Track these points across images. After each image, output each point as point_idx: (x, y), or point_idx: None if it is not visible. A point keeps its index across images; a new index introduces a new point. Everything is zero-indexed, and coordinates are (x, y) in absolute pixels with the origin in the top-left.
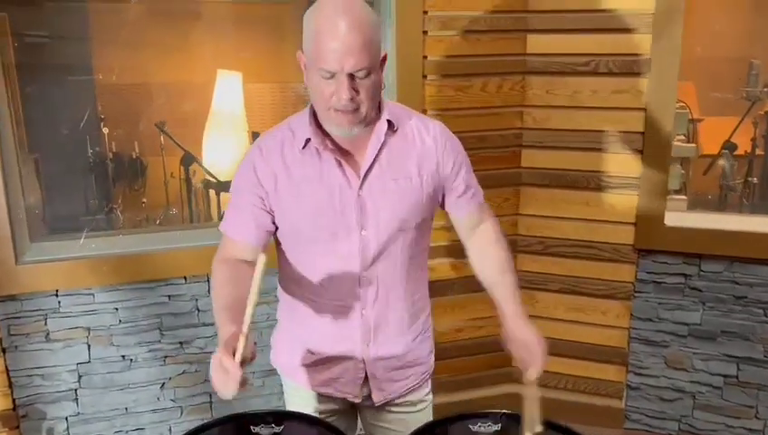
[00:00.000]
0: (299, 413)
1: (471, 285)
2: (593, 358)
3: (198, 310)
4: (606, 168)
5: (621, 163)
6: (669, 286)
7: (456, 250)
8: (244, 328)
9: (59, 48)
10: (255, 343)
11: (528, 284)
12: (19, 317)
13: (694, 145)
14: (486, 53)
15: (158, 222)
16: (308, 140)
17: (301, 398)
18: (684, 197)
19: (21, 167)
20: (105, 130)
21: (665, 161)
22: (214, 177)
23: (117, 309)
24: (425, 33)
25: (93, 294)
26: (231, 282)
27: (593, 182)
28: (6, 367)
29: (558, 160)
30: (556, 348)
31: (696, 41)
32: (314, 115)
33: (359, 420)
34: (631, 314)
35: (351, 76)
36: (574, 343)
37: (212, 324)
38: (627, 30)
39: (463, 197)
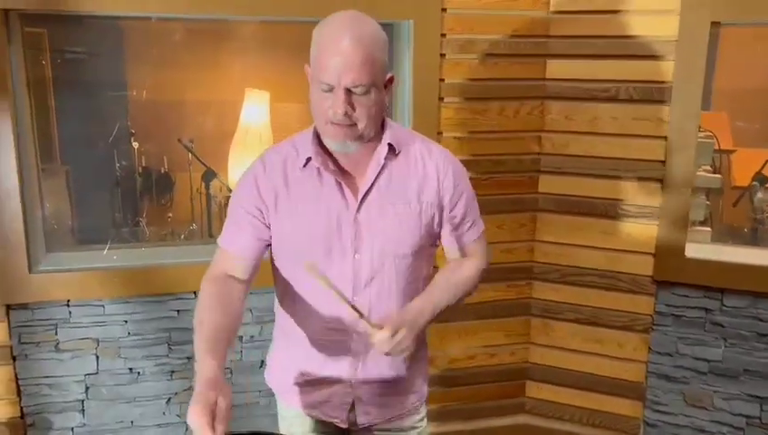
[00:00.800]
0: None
1: (483, 310)
2: (609, 391)
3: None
4: (625, 196)
5: (641, 192)
6: (689, 320)
7: None
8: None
9: (94, 64)
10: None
11: (544, 312)
12: (30, 326)
13: (719, 176)
14: (505, 77)
15: (182, 237)
16: (309, 159)
17: (292, 418)
18: (708, 228)
19: (42, 180)
20: (135, 145)
21: (686, 191)
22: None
23: (126, 321)
24: (442, 56)
25: (104, 306)
26: (218, 304)
27: (612, 210)
28: (16, 375)
29: (576, 187)
30: (572, 380)
31: (730, 71)
32: (318, 135)
33: None
34: (649, 348)
35: (349, 91)
36: (590, 376)
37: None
38: (648, 56)
39: (457, 231)
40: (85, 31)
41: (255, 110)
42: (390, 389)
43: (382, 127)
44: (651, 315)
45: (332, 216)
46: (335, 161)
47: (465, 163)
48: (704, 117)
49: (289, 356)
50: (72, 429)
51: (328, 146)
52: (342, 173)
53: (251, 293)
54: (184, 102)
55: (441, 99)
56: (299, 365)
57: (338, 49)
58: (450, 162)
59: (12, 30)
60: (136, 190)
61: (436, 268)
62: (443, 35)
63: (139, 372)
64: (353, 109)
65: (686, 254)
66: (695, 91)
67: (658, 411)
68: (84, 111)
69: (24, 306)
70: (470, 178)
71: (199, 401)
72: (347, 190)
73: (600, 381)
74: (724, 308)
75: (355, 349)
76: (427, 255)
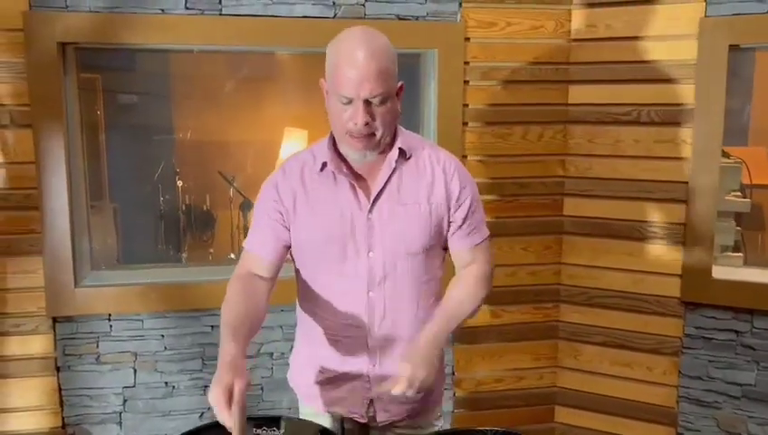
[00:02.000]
0: (301, 419)
1: (510, 333)
2: (641, 417)
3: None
4: (650, 217)
5: (666, 213)
6: (720, 343)
7: (495, 296)
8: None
9: (143, 107)
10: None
11: (571, 336)
12: (74, 338)
13: (748, 201)
14: (527, 102)
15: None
16: (324, 164)
17: (313, 416)
18: (740, 254)
19: (90, 216)
20: (179, 183)
21: (711, 212)
22: (231, 183)
23: (163, 336)
24: (466, 82)
25: (142, 320)
26: (243, 296)
27: (637, 232)
28: (59, 386)
29: (601, 209)
30: (601, 405)
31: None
32: (334, 141)
33: None
34: (679, 372)
35: (368, 102)
36: (620, 400)
37: (252, 356)
38: (668, 80)
39: (459, 231)
40: (135, 76)
41: (294, 148)
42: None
43: (395, 133)
44: (680, 338)
45: (347, 216)
46: (349, 166)
47: (490, 186)
48: (741, 151)
49: (309, 355)
50: None
51: (346, 154)
52: (356, 177)
53: (281, 310)
54: (227, 143)
55: (465, 123)
56: (319, 363)
57: (354, 63)
58: (456, 167)
59: (68, 67)
60: (179, 227)
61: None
62: (466, 63)
63: (174, 386)
64: (373, 119)
65: (713, 275)
66: (716, 112)
67: None
68: (133, 151)
69: (69, 319)
70: (495, 201)
71: (218, 383)
72: (360, 192)
73: (630, 406)
74: (755, 330)
75: (372, 345)
76: (438, 255)
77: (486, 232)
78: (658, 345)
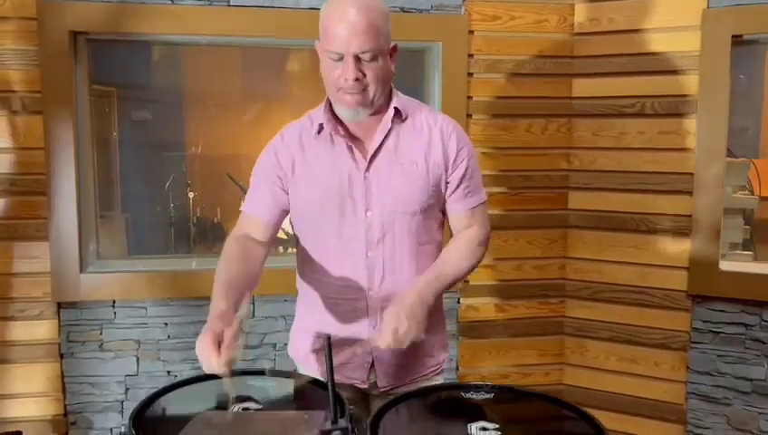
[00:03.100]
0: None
1: (516, 327)
2: (648, 414)
3: (243, 332)
4: (656, 209)
5: (672, 205)
6: (728, 337)
7: (501, 290)
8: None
9: (156, 119)
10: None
11: (577, 331)
12: (78, 325)
13: (755, 197)
14: (531, 95)
15: None
16: (321, 126)
17: None
18: (749, 252)
19: (101, 225)
20: (191, 195)
21: (718, 203)
22: (240, 185)
23: (166, 324)
24: (470, 75)
25: (146, 308)
26: (238, 257)
27: (643, 224)
28: (62, 372)
29: (606, 202)
30: (609, 402)
31: None
32: (330, 105)
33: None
34: (688, 367)
35: (358, 58)
36: (627, 398)
37: (256, 347)
38: (672, 71)
39: (455, 193)
40: (149, 92)
41: None
42: (408, 350)
43: (390, 97)
44: (688, 332)
45: (344, 176)
46: (345, 128)
47: (495, 178)
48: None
49: (309, 323)
50: (111, 429)
51: (340, 114)
52: (352, 138)
53: (284, 300)
54: (237, 156)
55: (469, 116)
56: (319, 329)
57: (344, 18)
58: (454, 127)
59: (79, 57)
60: (189, 239)
61: None
62: (470, 56)
63: (176, 376)
64: (363, 75)
65: (720, 267)
66: (720, 102)
67: None
68: (145, 163)
69: (73, 305)
70: (500, 194)
71: (207, 331)
72: (357, 152)
73: (638, 404)
74: (765, 323)
75: (372, 307)
76: (437, 218)
77: (484, 196)
78: (666, 340)
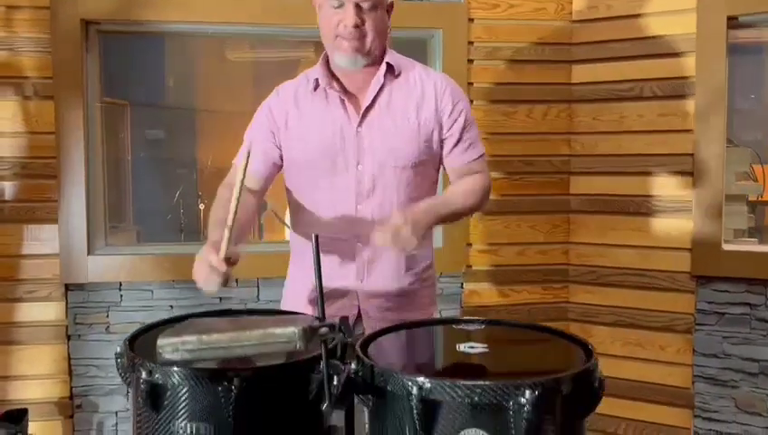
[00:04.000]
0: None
1: (520, 313)
2: (654, 399)
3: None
4: (657, 191)
5: (673, 186)
6: (734, 317)
7: (504, 276)
8: (229, 221)
9: (170, 142)
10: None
11: (581, 317)
12: (85, 307)
13: (758, 184)
14: (531, 82)
15: None
16: (317, 81)
17: None
18: (755, 239)
19: (113, 235)
20: (201, 207)
21: (719, 182)
22: (283, 222)
23: (172, 307)
24: (470, 61)
25: (152, 291)
26: (228, 202)
27: (645, 206)
28: (69, 355)
29: (608, 186)
30: (615, 388)
31: None
32: (326, 61)
33: None
34: (693, 350)
35: (358, 7)
36: (633, 383)
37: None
38: (669, 54)
39: (458, 146)
40: (163, 113)
41: None
42: (396, 303)
43: (384, 53)
44: (692, 314)
45: (336, 129)
46: (340, 83)
47: (496, 163)
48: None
49: (300, 278)
50: (116, 413)
51: (338, 63)
52: (346, 93)
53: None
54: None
55: (470, 102)
56: (308, 282)
57: None
58: (448, 83)
59: (90, 46)
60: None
61: None
62: (470, 43)
63: None
64: (362, 22)
65: (723, 247)
66: (718, 82)
67: (709, 419)
68: (157, 174)
69: (80, 287)
70: (501, 179)
71: (200, 256)
72: (350, 107)
73: (645, 389)
74: None
75: (359, 259)
76: (428, 175)
77: (483, 149)
78: (671, 323)
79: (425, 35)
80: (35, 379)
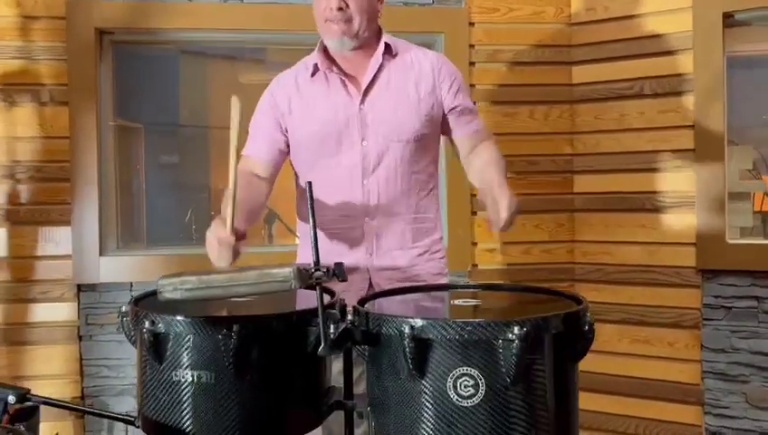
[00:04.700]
0: None
1: None
2: (664, 397)
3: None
4: (660, 187)
5: (675, 181)
6: (741, 311)
7: (510, 274)
8: (230, 190)
9: (183, 163)
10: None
11: None
12: (96, 308)
13: (761, 181)
14: (532, 83)
15: None
16: (316, 66)
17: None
18: (761, 238)
19: (117, 179)
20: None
21: (720, 175)
22: (293, 232)
23: None
24: (472, 64)
25: None
26: (241, 185)
27: (648, 203)
28: (81, 355)
29: (611, 184)
30: (621, 387)
31: None
32: (323, 48)
33: None
34: (702, 345)
35: None
36: (641, 381)
37: None
38: (667, 52)
39: (462, 117)
40: (178, 139)
41: None
42: (406, 275)
43: (379, 35)
44: (699, 309)
45: (339, 109)
46: (339, 67)
47: None
48: None
49: (309, 257)
50: (127, 413)
51: (329, 46)
52: (346, 75)
53: None
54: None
55: (474, 103)
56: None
57: None
58: (444, 61)
59: (103, 54)
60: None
61: None
62: (471, 46)
63: None
64: (347, 5)
65: (727, 240)
66: (716, 77)
67: (720, 416)
68: (170, 194)
69: (92, 288)
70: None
71: (210, 231)
72: (351, 87)
73: (654, 387)
74: None
75: (368, 234)
76: (430, 149)
77: (483, 123)
78: (678, 319)
79: (428, 39)
80: (47, 379)
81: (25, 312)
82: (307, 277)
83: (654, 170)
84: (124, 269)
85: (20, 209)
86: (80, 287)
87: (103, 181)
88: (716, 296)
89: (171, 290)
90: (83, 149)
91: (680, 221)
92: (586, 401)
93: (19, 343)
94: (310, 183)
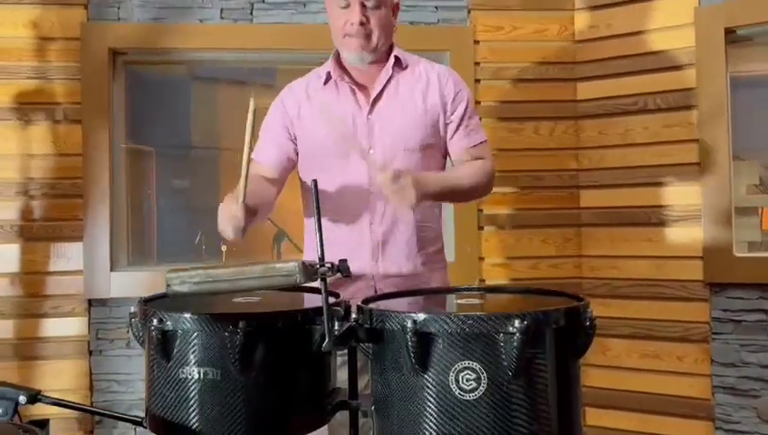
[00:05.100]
0: None
1: None
2: (675, 412)
3: None
4: (666, 201)
5: (681, 195)
6: (750, 325)
7: None
8: (243, 167)
9: (194, 187)
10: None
11: (597, 330)
12: (107, 322)
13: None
14: (537, 99)
15: None
16: (329, 75)
17: None
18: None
19: (129, 196)
20: (223, 248)
21: (726, 189)
22: (302, 250)
23: None
24: (477, 81)
25: None
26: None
27: (654, 217)
28: (90, 370)
29: (617, 198)
30: (634, 402)
31: None
32: (337, 57)
33: None
34: (711, 359)
35: (363, 6)
36: (652, 396)
37: None
38: (670, 68)
39: (459, 132)
40: (189, 162)
41: None
42: (410, 282)
43: (391, 49)
44: (708, 323)
45: (348, 117)
46: (350, 77)
47: (505, 178)
48: None
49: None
50: (135, 429)
51: (347, 59)
52: (356, 84)
53: None
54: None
55: (479, 119)
56: None
57: None
58: (451, 73)
59: (117, 74)
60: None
61: None
62: (476, 64)
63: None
64: (367, 20)
65: (734, 253)
66: (719, 91)
67: (731, 431)
68: (181, 215)
69: (103, 303)
70: (511, 193)
71: (222, 206)
72: (360, 96)
73: (664, 402)
74: None
75: (373, 240)
76: (436, 159)
77: (485, 136)
78: (686, 333)
79: (433, 57)
80: (57, 393)
81: (37, 327)
82: (312, 272)
83: (659, 184)
84: (134, 284)
85: (33, 225)
86: (90, 302)
87: (115, 198)
88: (725, 310)
89: (179, 283)
90: (96, 166)
91: (687, 235)
92: (596, 416)
93: (30, 357)
94: (315, 181)
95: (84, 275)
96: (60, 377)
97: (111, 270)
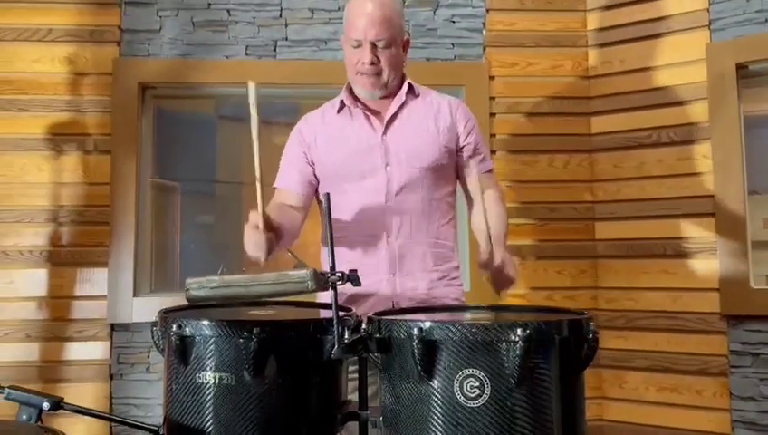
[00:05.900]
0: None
1: None
2: None
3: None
4: (681, 233)
5: (696, 227)
6: None
7: None
8: (256, 170)
9: (218, 223)
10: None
11: (614, 362)
12: (128, 347)
13: None
14: (551, 133)
15: None
16: (342, 103)
17: None
18: None
19: (153, 223)
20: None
21: (741, 220)
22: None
23: None
24: (492, 115)
25: None
26: (276, 210)
27: (670, 249)
28: (111, 393)
29: (632, 230)
30: None
31: None
32: (349, 89)
33: None
34: (730, 393)
35: (374, 45)
36: (671, 431)
37: None
38: (682, 102)
39: (473, 158)
40: (213, 200)
41: None
42: (426, 297)
43: (402, 81)
44: (726, 356)
45: (363, 141)
46: (364, 104)
47: (520, 210)
48: None
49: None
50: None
51: (359, 94)
52: (370, 110)
53: None
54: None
55: (493, 152)
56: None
57: (363, 11)
58: (460, 103)
59: (145, 108)
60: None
61: None
62: (492, 98)
63: None
64: (378, 60)
65: (751, 285)
66: (731, 124)
67: None
68: (203, 245)
69: (125, 327)
70: (526, 225)
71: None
72: (374, 120)
73: None
74: None
75: (390, 252)
76: (449, 178)
77: (492, 164)
78: (705, 365)
79: (449, 92)
80: (77, 416)
81: (61, 350)
82: (323, 280)
83: (675, 217)
84: (156, 310)
85: (61, 251)
86: (113, 327)
87: (140, 226)
88: (743, 343)
89: (197, 288)
90: (123, 195)
91: (703, 267)
92: None
93: (53, 380)
94: (328, 194)
95: (108, 300)
96: (81, 400)
97: (134, 296)
